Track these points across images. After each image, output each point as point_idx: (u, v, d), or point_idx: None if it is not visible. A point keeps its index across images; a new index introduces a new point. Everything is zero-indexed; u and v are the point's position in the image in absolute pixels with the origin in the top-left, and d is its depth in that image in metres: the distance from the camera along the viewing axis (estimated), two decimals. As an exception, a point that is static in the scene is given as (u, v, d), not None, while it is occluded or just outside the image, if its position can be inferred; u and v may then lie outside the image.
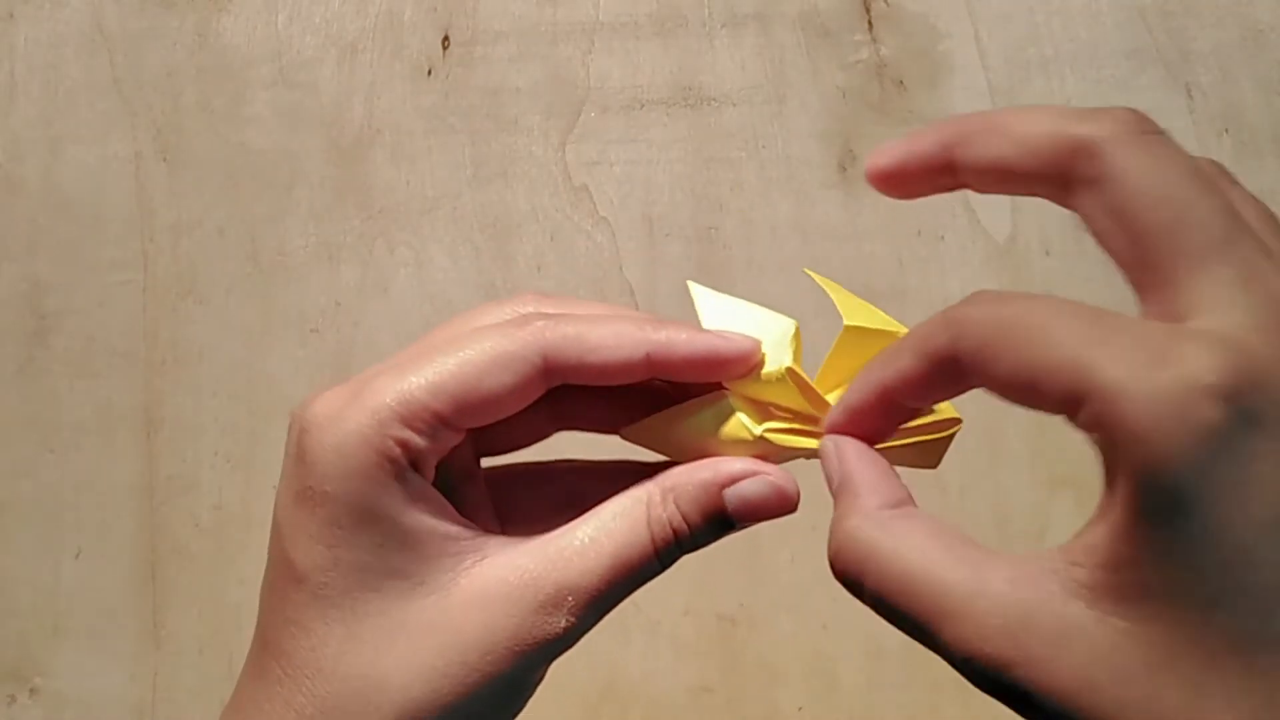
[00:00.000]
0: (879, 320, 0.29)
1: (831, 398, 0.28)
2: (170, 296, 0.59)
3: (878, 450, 0.28)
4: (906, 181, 0.26)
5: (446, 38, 0.60)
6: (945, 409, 0.29)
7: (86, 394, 0.59)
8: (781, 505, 0.28)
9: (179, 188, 0.60)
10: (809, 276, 0.30)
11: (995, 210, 0.57)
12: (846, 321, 0.28)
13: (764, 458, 0.29)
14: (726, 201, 0.58)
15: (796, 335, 0.29)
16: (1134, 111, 0.23)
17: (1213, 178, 0.23)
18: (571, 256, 0.58)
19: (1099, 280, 0.53)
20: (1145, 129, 0.23)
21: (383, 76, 0.60)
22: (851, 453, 0.26)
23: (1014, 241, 0.56)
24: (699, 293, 0.30)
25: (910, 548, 0.23)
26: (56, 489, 0.58)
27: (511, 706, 0.28)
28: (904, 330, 0.28)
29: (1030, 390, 0.21)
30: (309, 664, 0.27)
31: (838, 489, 0.26)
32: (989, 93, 0.58)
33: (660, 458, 0.30)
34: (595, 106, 0.59)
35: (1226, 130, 0.57)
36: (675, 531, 0.27)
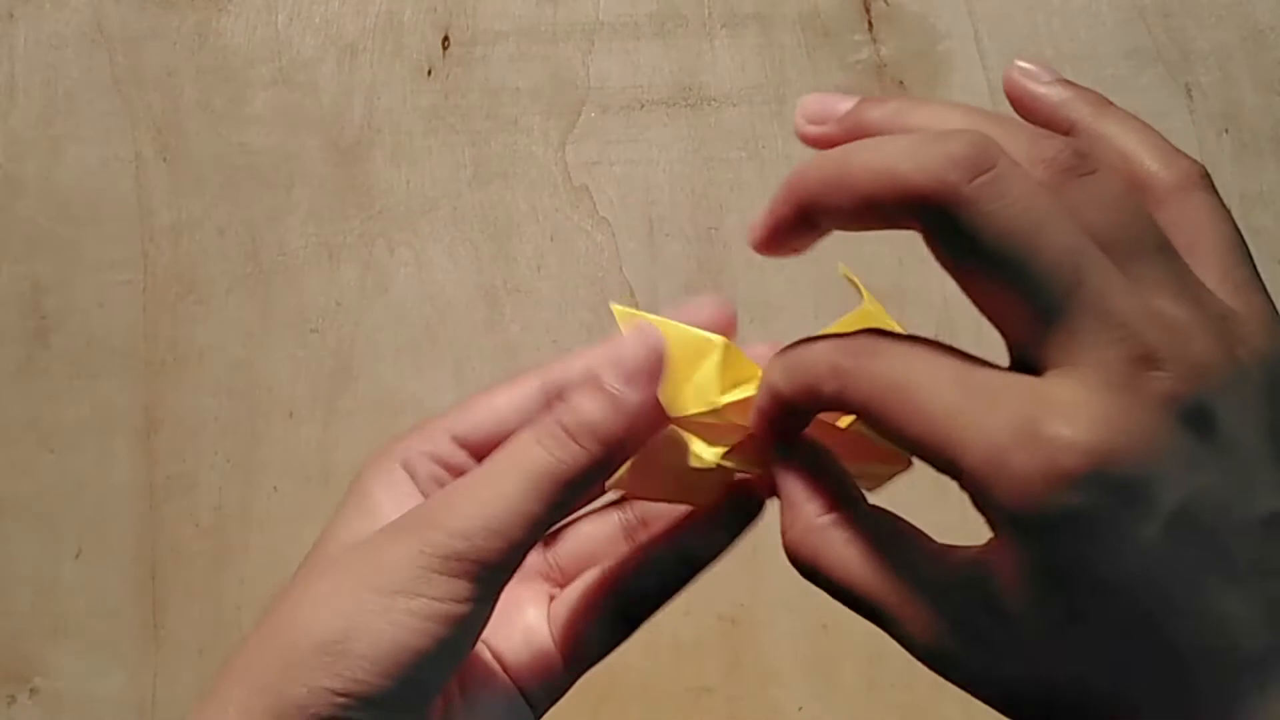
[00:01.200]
0: (886, 317, 0.29)
1: None
2: (170, 296, 0.59)
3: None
4: (784, 245, 0.26)
5: (446, 38, 0.60)
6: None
7: (86, 394, 0.59)
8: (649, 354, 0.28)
9: (179, 188, 0.60)
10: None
11: (995, 210, 0.57)
12: (866, 302, 0.28)
13: (735, 482, 0.30)
14: (726, 201, 0.58)
15: (725, 350, 0.28)
16: (970, 143, 0.22)
17: (1066, 174, 0.23)
18: (571, 256, 0.59)
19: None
20: (978, 168, 0.22)
21: (383, 76, 0.60)
22: (783, 462, 0.27)
23: (1014, 241, 0.56)
24: (622, 315, 0.29)
25: (847, 558, 0.25)
26: (56, 489, 0.58)
27: (440, 631, 0.27)
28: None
29: (914, 452, 0.23)
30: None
31: (779, 497, 0.27)
32: (989, 93, 0.58)
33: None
34: (595, 106, 0.59)
35: (1226, 130, 0.58)
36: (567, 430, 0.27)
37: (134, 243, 0.60)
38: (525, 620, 0.31)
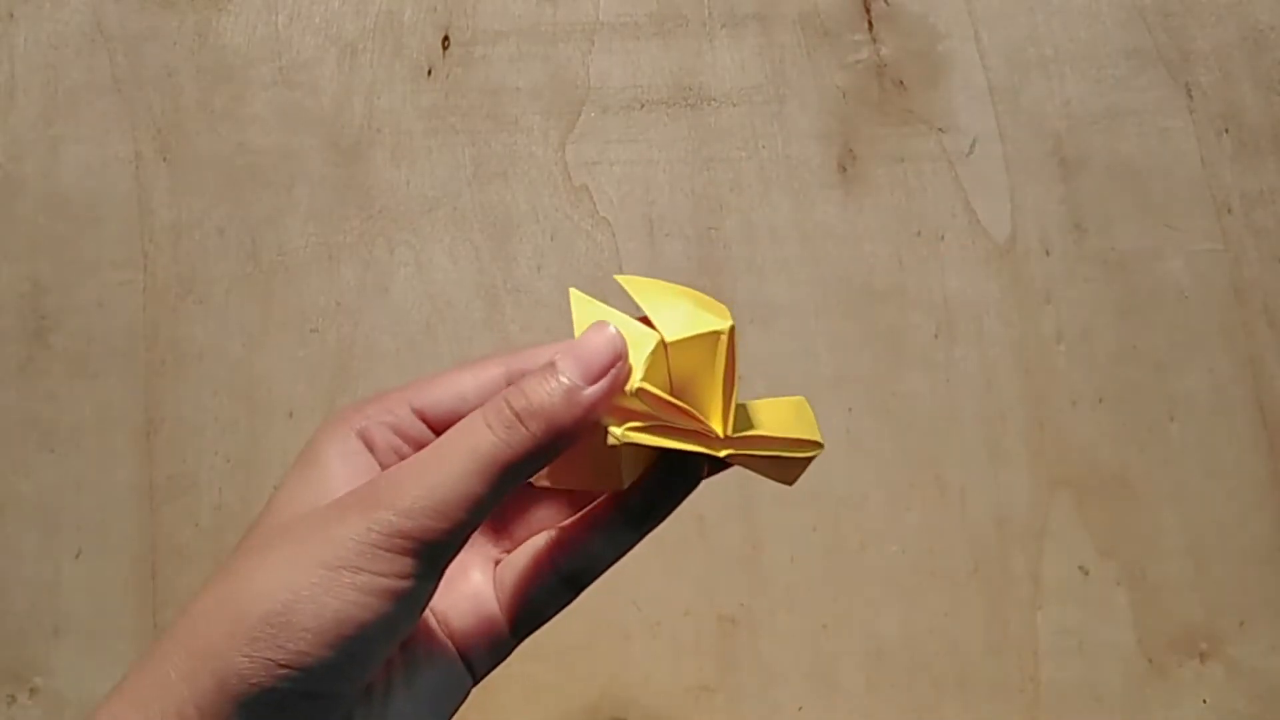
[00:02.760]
0: (699, 324, 0.30)
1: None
2: (170, 296, 0.59)
3: (739, 459, 0.29)
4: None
5: (446, 38, 0.60)
6: (811, 429, 0.30)
7: (86, 394, 0.59)
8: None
9: (179, 188, 0.60)
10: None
11: (995, 210, 0.57)
12: (667, 339, 0.30)
13: (656, 462, 0.31)
14: (726, 201, 0.58)
15: (657, 349, 0.30)
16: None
17: None
18: (571, 256, 0.59)
19: (1099, 280, 0.52)
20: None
21: (383, 76, 0.60)
22: None
23: (1014, 241, 0.56)
24: (578, 301, 0.32)
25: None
26: (56, 489, 0.58)
27: (385, 607, 0.28)
28: (725, 322, 0.30)
29: None
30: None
31: None
32: (989, 93, 0.58)
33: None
34: (595, 106, 0.59)
35: (1226, 130, 0.57)
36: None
37: (134, 243, 0.60)
38: (471, 584, 0.32)
